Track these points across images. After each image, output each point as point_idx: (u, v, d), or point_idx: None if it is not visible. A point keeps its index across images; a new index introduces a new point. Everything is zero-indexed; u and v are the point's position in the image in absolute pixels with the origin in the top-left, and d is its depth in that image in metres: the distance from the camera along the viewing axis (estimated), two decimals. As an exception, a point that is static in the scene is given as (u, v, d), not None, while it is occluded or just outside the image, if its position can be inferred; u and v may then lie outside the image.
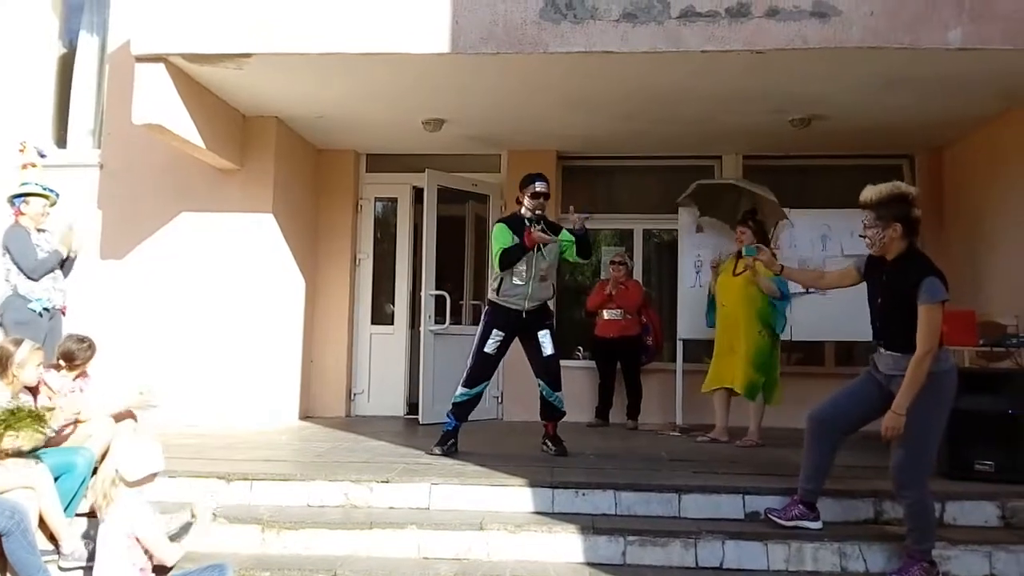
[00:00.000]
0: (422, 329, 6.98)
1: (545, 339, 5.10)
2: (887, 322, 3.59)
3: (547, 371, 5.12)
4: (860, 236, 3.67)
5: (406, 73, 5.52)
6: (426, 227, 7.03)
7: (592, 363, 7.20)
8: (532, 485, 4.18)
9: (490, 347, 5.03)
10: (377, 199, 7.86)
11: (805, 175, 7.64)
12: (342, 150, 7.57)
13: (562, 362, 7.04)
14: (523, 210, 5.14)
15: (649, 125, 6.63)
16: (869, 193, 3.58)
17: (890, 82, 5.44)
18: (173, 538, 3.32)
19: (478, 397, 5.13)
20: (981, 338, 5.02)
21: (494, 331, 5.03)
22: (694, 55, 4.98)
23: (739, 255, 5.84)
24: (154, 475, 3.25)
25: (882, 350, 3.65)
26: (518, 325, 5.08)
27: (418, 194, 7.44)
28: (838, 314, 5.93)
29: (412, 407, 7.37)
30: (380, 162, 7.79)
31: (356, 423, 6.90)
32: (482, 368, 5.07)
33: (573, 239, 5.13)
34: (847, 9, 4.83)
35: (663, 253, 7.89)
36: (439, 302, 7.04)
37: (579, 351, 7.73)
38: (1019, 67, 5.07)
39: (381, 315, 7.75)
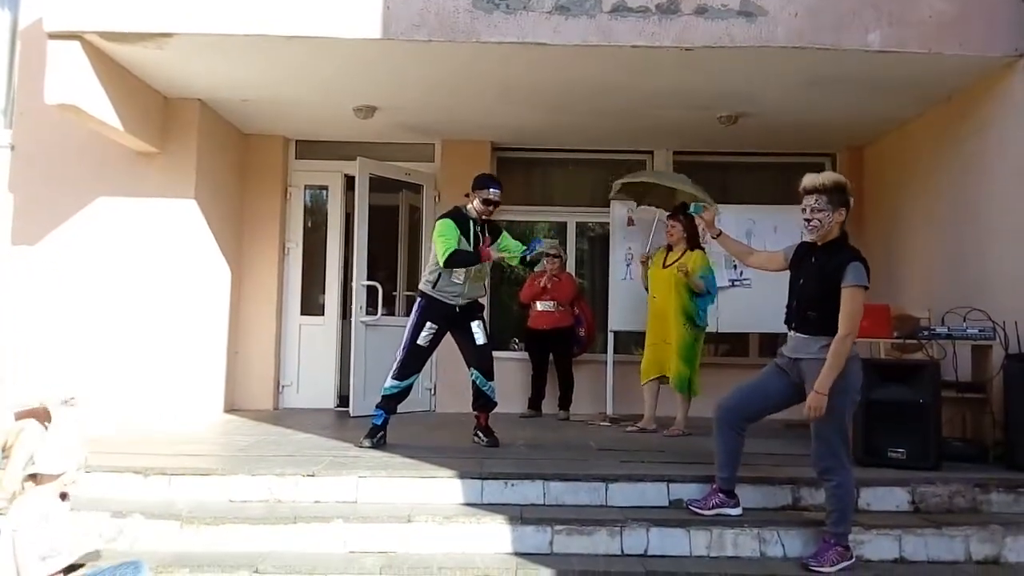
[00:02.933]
0: (353, 320, 6.88)
1: (477, 329, 5.09)
2: (803, 303, 3.67)
3: (479, 361, 5.10)
4: (805, 220, 3.64)
5: (336, 58, 5.40)
6: (358, 216, 6.92)
7: (525, 354, 7.22)
8: (461, 476, 4.17)
9: (423, 339, 4.99)
10: (307, 187, 7.68)
11: (732, 171, 7.84)
12: (270, 135, 7.38)
13: (496, 353, 7.02)
14: (470, 207, 5.09)
15: (583, 118, 6.67)
16: (821, 179, 3.62)
17: (813, 82, 5.59)
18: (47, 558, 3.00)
19: (408, 389, 5.07)
20: (895, 330, 5.22)
21: (428, 323, 4.98)
22: (625, 50, 5.02)
23: (669, 248, 5.94)
24: (59, 475, 3.07)
25: (791, 333, 3.75)
26: (451, 317, 5.05)
27: (350, 182, 7.32)
28: (761, 307, 6.09)
29: (343, 399, 7.27)
30: (310, 149, 7.63)
31: (284, 416, 6.76)
32: (414, 360, 5.02)
33: (517, 248, 5.16)
34: (773, 10, 4.94)
35: (596, 246, 7.97)
36: (371, 292, 6.95)
37: (515, 343, 7.75)
38: (932, 70, 5.28)
39: (311, 305, 7.60)
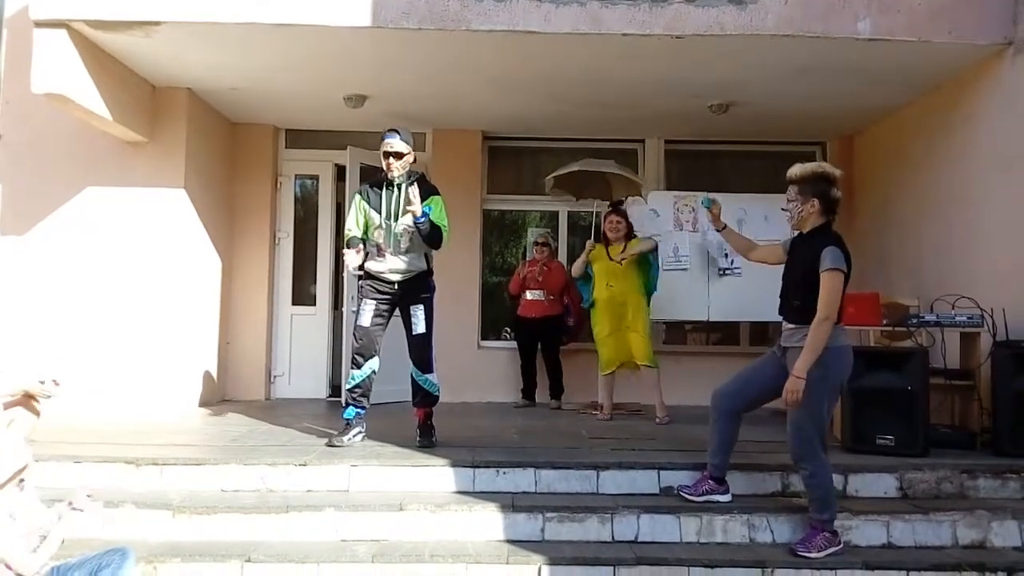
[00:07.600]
0: (345, 310, 6.86)
1: (416, 316, 4.71)
2: (789, 292, 3.75)
3: (413, 350, 4.74)
4: (783, 210, 3.81)
5: (325, 46, 5.37)
6: (348, 205, 6.88)
7: (515, 344, 7.22)
8: (453, 465, 4.18)
9: (364, 319, 4.70)
10: (297, 176, 7.66)
11: (723, 160, 7.84)
12: (260, 124, 7.34)
13: (489, 343, 7.01)
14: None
15: (574, 107, 6.66)
16: (796, 170, 3.72)
17: (803, 70, 5.60)
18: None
19: (369, 380, 4.75)
20: (884, 318, 5.26)
21: (365, 301, 4.73)
22: (616, 38, 5.02)
23: (607, 243, 6.04)
24: (21, 470, 3.02)
25: (783, 323, 3.80)
26: (393, 296, 4.76)
27: (340, 172, 7.29)
28: (752, 296, 6.14)
29: (335, 389, 7.27)
30: (300, 138, 7.59)
31: (275, 406, 6.76)
32: (361, 343, 4.70)
33: (437, 218, 4.69)
34: (763, -3, 4.95)
35: (587, 235, 7.94)
36: (362, 282, 6.93)
37: (506, 332, 7.76)
38: (922, 58, 5.30)
39: (302, 295, 7.59)
